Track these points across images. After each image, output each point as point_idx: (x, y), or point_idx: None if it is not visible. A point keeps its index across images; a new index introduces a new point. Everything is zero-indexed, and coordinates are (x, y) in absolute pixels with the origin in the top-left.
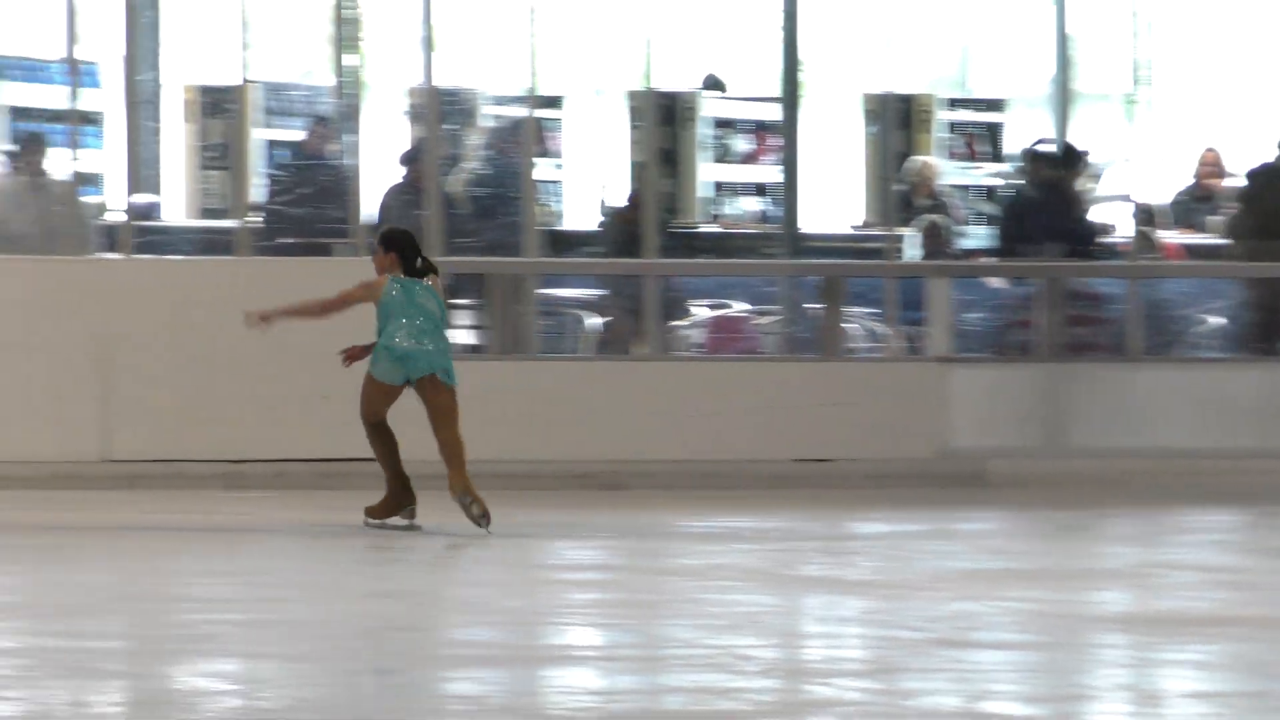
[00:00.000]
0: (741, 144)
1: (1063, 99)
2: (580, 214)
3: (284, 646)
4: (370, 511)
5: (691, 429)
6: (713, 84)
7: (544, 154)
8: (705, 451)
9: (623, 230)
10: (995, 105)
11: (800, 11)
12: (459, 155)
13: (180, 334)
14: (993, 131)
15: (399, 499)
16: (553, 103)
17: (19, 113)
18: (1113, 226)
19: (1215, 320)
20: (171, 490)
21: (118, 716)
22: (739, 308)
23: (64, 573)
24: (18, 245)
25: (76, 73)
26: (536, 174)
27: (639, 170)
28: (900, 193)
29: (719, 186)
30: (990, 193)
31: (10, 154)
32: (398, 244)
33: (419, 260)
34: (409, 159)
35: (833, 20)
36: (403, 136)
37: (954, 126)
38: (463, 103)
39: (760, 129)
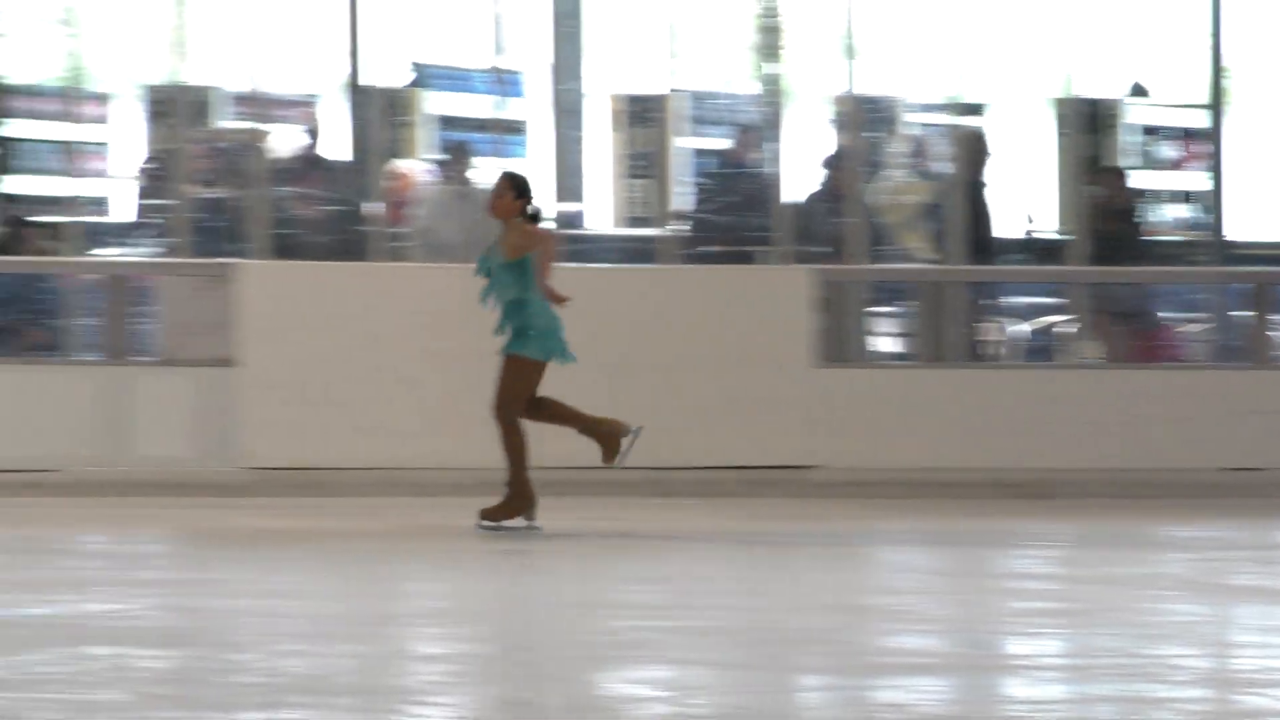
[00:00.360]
0: (1167, 151)
1: None
2: (1001, 221)
3: (713, 653)
4: (489, 514)
5: (1119, 437)
6: (1138, 91)
7: (979, 162)
8: (1132, 460)
9: (1101, 236)
10: None
11: (1226, 17)
12: (880, 162)
13: (604, 341)
14: None
15: (524, 500)
16: (975, 110)
17: (446, 122)
18: None
19: None
20: (599, 497)
21: None
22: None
23: (494, 578)
24: (446, 254)
25: (502, 82)
26: (964, 181)
27: (1104, 177)
28: None
29: (1145, 194)
30: None
31: (438, 163)
32: (528, 195)
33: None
34: (830, 163)
35: (1258, 27)
36: (825, 144)
37: None
38: (885, 110)
39: (1187, 136)
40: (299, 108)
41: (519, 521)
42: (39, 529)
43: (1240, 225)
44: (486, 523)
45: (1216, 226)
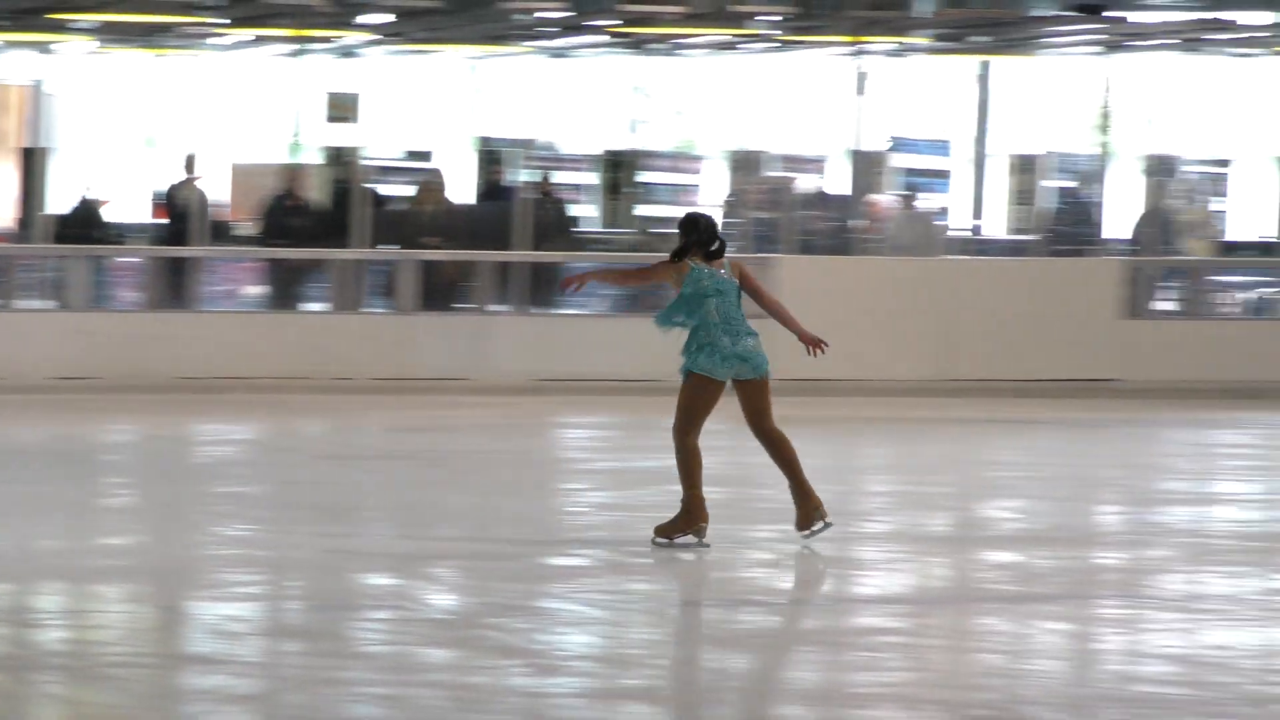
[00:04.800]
0: None
1: None
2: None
3: None
4: (663, 530)
5: None
6: None
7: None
8: None
9: None
10: None
11: None
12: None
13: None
14: None
15: (698, 516)
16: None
17: (906, 172)
18: None
19: None
20: None
21: None
22: None
23: None
24: (900, 252)
25: (938, 146)
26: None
27: None
28: None
29: None
30: None
31: (902, 197)
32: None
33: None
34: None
35: None
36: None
37: None
38: (1169, 163)
39: None
40: (814, 163)
41: (690, 538)
42: None
43: None
44: (660, 539)
45: None
